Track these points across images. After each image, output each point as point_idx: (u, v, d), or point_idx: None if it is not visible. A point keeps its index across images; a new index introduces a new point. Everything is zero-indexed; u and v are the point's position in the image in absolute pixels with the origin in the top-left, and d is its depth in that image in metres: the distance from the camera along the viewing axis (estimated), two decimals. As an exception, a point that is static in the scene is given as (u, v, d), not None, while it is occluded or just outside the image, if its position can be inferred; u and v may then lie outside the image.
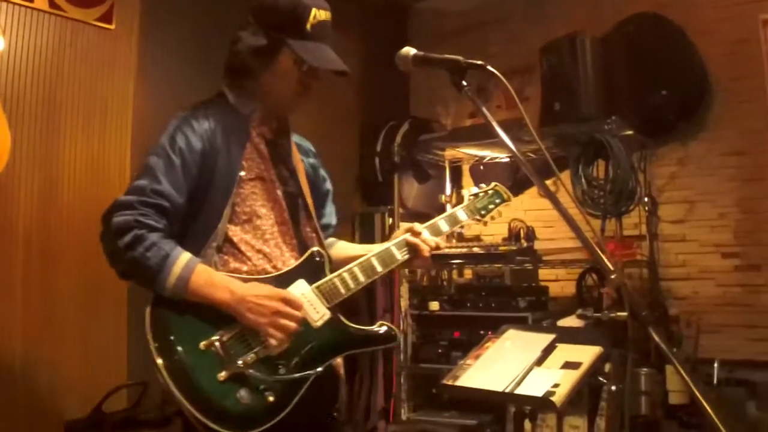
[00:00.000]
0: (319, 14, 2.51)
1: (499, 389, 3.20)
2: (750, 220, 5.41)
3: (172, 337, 2.21)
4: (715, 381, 4.58)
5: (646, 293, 5.40)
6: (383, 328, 2.53)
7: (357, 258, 2.58)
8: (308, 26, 2.48)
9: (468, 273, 6.08)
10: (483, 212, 2.99)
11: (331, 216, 2.95)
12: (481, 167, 6.49)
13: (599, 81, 5.43)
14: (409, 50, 2.41)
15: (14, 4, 3.99)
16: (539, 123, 5.56)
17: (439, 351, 5.40)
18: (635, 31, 5.62)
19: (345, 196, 6.41)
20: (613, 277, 1.78)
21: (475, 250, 5.43)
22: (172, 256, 2.24)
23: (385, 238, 6.11)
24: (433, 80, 6.38)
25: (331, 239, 2.92)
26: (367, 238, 6.17)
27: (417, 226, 2.73)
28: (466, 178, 6.77)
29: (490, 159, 6.28)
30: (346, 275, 2.49)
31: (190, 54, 5.00)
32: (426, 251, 2.66)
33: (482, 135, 5.18)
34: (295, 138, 2.80)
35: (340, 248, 2.89)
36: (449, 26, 6.96)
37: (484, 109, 2.24)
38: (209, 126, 2.48)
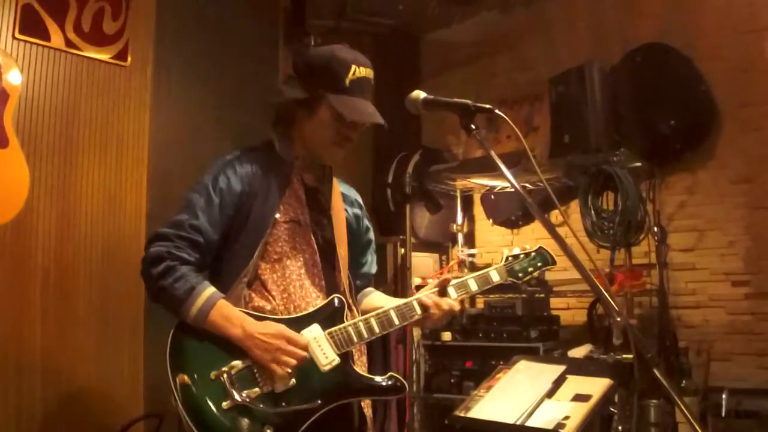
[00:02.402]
0: (359, 71, 2.62)
1: (510, 421, 3.24)
2: (759, 247, 5.41)
3: (187, 362, 2.38)
4: (723, 412, 4.58)
5: (656, 322, 5.40)
6: (392, 380, 2.56)
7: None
8: (347, 81, 2.58)
9: (480, 302, 6.11)
10: (521, 275, 2.93)
11: (371, 266, 3.02)
12: (492, 197, 6.53)
13: (607, 111, 5.46)
14: (419, 94, 2.49)
15: (32, 43, 4.06)
16: (549, 154, 5.61)
17: (452, 381, 5.42)
18: (643, 61, 5.67)
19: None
20: (618, 319, 1.82)
21: (487, 279, 5.46)
22: (197, 290, 2.42)
23: (397, 268, 6.17)
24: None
25: (368, 289, 2.99)
26: (379, 268, 6.17)
27: (448, 276, 2.75)
28: (477, 208, 6.81)
29: (501, 188, 6.31)
30: (361, 324, 2.56)
31: (204, 87, 5.10)
32: (437, 315, 2.68)
33: (493, 166, 5.24)
34: (342, 188, 2.92)
35: (374, 298, 2.94)
36: (459, 56, 7.03)
37: (493, 153, 2.30)
38: (251, 170, 2.63)
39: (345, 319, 2.56)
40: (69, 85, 4.28)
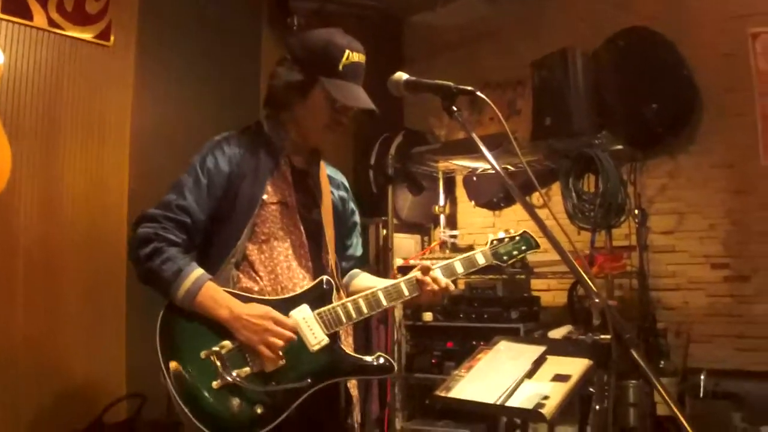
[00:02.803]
0: (353, 56, 2.65)
1: (491, 401, 3.27)
2: (739, 231, 5.48)
3: (177, 342, 2.40)
4: (701, 393, 4.64)
5: (636, 304, 5.47)
6: (381, 360, 2.58)
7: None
8: (341, 66, 2.62)
9: (461, 283, 6.14)
10: (506, 258, 3.00)
11: (356, 248, 3.04)
12: (474, 178, 6.54)
13: (590, 95, 5.48)
14: (401, 75, 2.50)
15: (14, 22, 4.05)
16: (531, 137, 5.63)
17: (433, 361, 5.45)
18: (626, 45, 5.68)
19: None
20: (596, 301, 1.85)
21: (468, 261, 5.47)
22: (185, 272, 2.43)
23: (379, 249, 6.18)
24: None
25: (355, 270, 3.01)
26: (362, 248, 6.21)
27: (429, 264, 2.80)
28: (460, 189, 6.83)
29: (483, 170, 6.33)
30: (349, 305, 2.58)
31: (187, 69, 5.08)
32: (434, 289, 2.72)
33: (475, 147, 5.25)
34: (329, 170, 2.94)
35: (362, 279, 2.96)
36: (443, 39, 7.03)
37: (474, 135, 2.31)
38: (239, 151, 2.66)
39: (333, 300, 2.58)
40: (51, 65, 4.27)
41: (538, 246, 3.07)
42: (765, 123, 5.36)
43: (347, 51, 2.64)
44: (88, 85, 4.46)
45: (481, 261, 2.92)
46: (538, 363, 3.50)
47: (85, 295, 4.34)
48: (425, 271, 2.74)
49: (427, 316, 5.60)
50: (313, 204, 2.77)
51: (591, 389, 3.68)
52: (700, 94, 5.62)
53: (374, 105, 2.67)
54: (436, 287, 2.71)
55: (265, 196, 2.63)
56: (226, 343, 2.39)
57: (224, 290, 2.48)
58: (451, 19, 6.93)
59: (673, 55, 5.60)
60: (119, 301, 4.48)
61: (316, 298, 2.56)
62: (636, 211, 5.54)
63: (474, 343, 4.81)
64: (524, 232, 3.09)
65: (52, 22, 4.23)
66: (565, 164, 5.42)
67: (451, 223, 6.83)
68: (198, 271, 2.46)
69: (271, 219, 2.64)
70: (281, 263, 2.62)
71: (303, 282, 2.62)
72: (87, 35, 4.42)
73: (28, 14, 4.11)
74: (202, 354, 2.35)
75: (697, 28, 5.66)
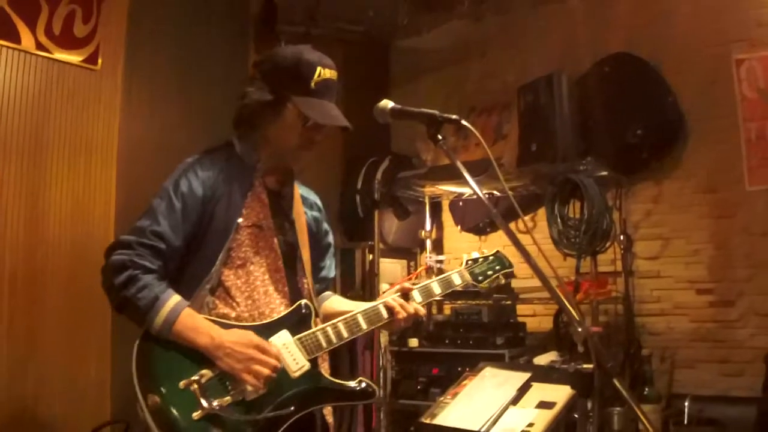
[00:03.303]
0: (324, 72, 2.63)
1: (476, 428, 3.27)
2: (723, 256, 5.48)
3: (154, 372, 2.33)
4: (685, 420, 4.64)
5: (621, 329, 5.47)
6: (362, 385, 2.59)
7: (344, 313, 2.66)
8: (312, 84, 2.60)
9: (447, 309, 6.14)
10: (481, 278, 3.03)
11: (329, 269, 3.04)
12: (461, 203, 6.57)
13: (575, 120, 5.52)
14: (387, 103, 2.52)
15: (2, 45, 4.05)
16: (517, 162, 5.66)
17: (418, 387, 5.41)
18: (611, 71, 5.73)
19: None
20: (579, 330, 1.86)
21: (454, 286, 5.47)
22: (161, 299, 2.37)
23: (365, 274, 6.18)
24: (413, 117, 6.43)
25: (327, 293, 3.01)
26: (348, 274, 6.21)
27: (408, 285, 2.81)
28: (446, 214, 6.85)
29: (469, 195, 6.35)
30: (329, 330, 2.56)
31: (174, 92, 5.10)
32: (402, 318, 2.71)
33: (460, 173, 5.28)
34: (301, 190, 2.92)
35: (335, 302, 2.96)
36: (429, 63, 7.05)
37: (459, 163, 2.35)
38: (213, 173, 2.61)
39: (312, 325, 2.56)
40: (39, 87, 4.27)
41: (511, 266, 3.13)
42: (749, 148, 5.39)
43: (318, 68, 2.62)
44: (75, 107, 4.46)
45: (458, 282, 2.96)
46: (523, 390, 3.51)
47: (70, 318, 4.31)
48: (405, 293, 2.76)
49: (413, 342, 5.59)
50: (288, 226, 2.76)
51: (575, 415, 3.68)
52: (684, 119, 5.64)
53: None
54: (403, 314, 2.70)
55: (240, 220, 2.58)
56: (206, 371, 2.34)
57: (203, 317, 2.45)
58: (438, 43, 6.97)
59: (658, 80, 5.64)
60: (105, 323, 4.46)
61: (295, 323, 2.54)
62: (621, 237, 5.55)
63: (459, 369, 4.79)
64: (497, 252, 3.14)
65: (39, 46, 4.23)
66: (551, 190, 5.43)
67: (438, 247, 6.84)
68: (175, 298, 2.41)
69: (247, 243, 2.59)
70: (258, 288, 2.58)
71: (280, 307, 2.60)
72: (75, 59, 4.42)
73: (16, 37, 4.11)
74: (181, 384, 2.30)
75: (682, 54, 5.69)
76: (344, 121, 2.66)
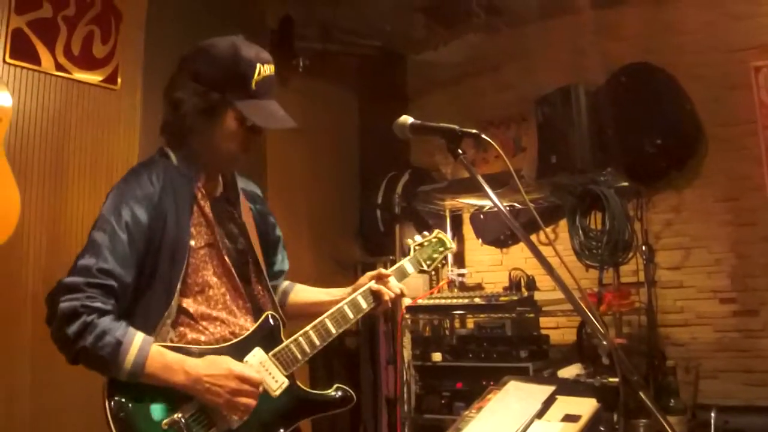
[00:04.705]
0: (264, 69, 2.47)
1: (501, 442, 3.25)
2: (745, 264, 5.47)
3: (133, 423, 2.18)
4: (712, 431, 4.60)
5: (644, 340, 5.44)
6: (339, 392, 2.56)
7: (316, 303, 2.71)
8: (253, 84, 2.44)
9: (470, 323, 6.13)
10: (428, 262, 3.08)
11: (283, 263, 2.94)
12: (481, 216, 6.56)
13: (593, 131, 5.51)
14: (407, 119, 2.50)
15: (22, 67, 4.06)
16: (536, 174, 5.65)
17: (442, 402, 5.39)
18: (628, 81, 5.73)
19: (347, 246, 6.48)
20: (604, 342, 1.85)
21: (476, 300, 5.45)
22: (125, 344, 2.17)
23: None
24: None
25: (286, 283, 2.96)
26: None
27: (384, 271, 2.81)
28: (467, 227, 6.84)
29: (490, 208, 6.34)
30: (302, 340, 2.50)
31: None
32: (389, 298, 2.73)
33: (480, 187, 5.27)
34: (240, 183, 2.76)
35: (299, 292, 2.94)
36: (446, 77, 7.05)
37: (479, 177, 2.32)
38: (154, 191, 2.38)
39: (284, 337, 2.50)
40: (59, 108, 4.27)
41: (451, 245, 3.23)
42: (769, 155, 5.38)
43: (258, 66, 2.45)
44: (95, 128, 4.47)
45: (410, 270, 2.99)
46: (548, 403, 3.48)
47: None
48: (381, 277, 2.76)
49: (436, 357, 5.58)
50: (238, 232, 2.62)
51: (601, 428, 3.66)
52: (703, 127, 5.65)
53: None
54: (392, 294, 2.72)
55: (192, 242, 2.40)
56: (186, 406, 2.23)
57: (173, 346, 2.30)
58: (454, 56, 6.97)
59: (675, 89, 5.64)
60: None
61: (266, 337, 2.46)
62: (643, 247, 5.52)
63: (483, 383, 4.77)
64: (438, 232, 3.22)
65: (59, 66, 4.25)
66: (571, 201, 5.42)
67: (459, 261, 6.82)
68: (139, 337, 2.20)
69: (202, 266, 2.43)
70: (221, 310, 2.45)
71: (247, 324, 2.49)
72: (94, 79, 4.44)
73: (35, 58, 4.13)
74: (164, 424, 2.19)
75: (699, 62, 5.70)
76: (291, 122, 2.48)
